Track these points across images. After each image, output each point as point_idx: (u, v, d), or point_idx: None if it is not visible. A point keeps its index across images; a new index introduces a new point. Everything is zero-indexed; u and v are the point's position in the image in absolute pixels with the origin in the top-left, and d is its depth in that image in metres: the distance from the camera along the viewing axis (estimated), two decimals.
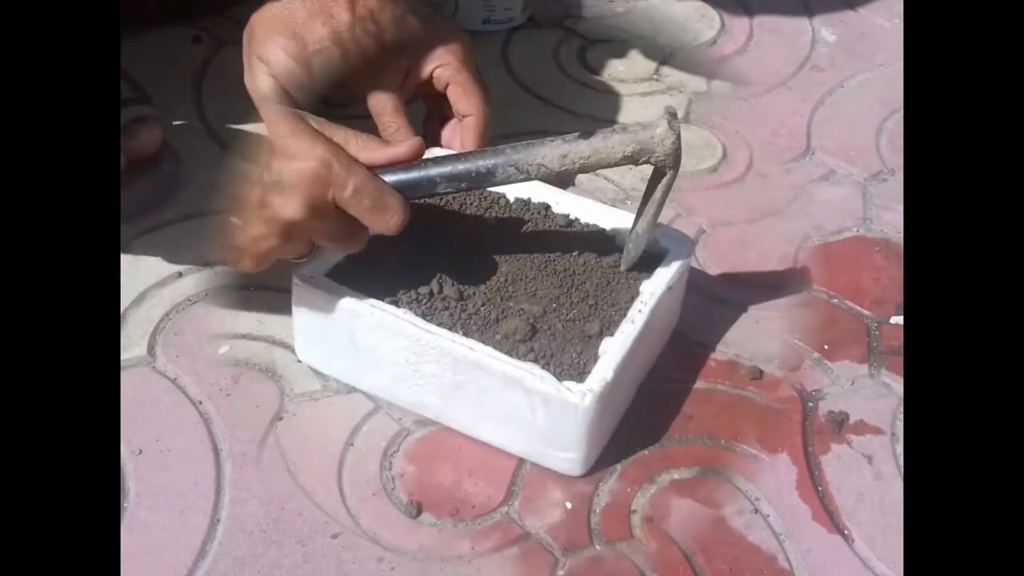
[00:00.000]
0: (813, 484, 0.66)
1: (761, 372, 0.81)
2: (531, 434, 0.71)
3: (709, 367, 0.82)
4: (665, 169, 0.71)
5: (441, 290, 0.74)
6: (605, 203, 0.84)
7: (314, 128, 0.67)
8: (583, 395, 0.68)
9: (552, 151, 0.69)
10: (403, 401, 0.75)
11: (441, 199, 0.81)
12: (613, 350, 0.71)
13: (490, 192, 0.83)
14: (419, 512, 0.70)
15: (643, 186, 0.97)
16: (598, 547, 0.69)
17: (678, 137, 0.70)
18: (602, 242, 0.80)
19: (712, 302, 0.87)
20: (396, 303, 0.72)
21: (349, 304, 0.72)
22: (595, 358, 0.71)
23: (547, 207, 0.82)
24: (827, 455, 0.68)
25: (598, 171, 0.98)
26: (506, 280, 0.76)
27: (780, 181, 0.84)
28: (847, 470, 0.67)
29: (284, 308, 0.79)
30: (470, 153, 0.70)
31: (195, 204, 0.75)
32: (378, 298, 0.72)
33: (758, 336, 0.84)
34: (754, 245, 0.93)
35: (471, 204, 0.82)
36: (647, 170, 0.99)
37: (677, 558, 0.63)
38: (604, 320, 0.74)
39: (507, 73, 1.11)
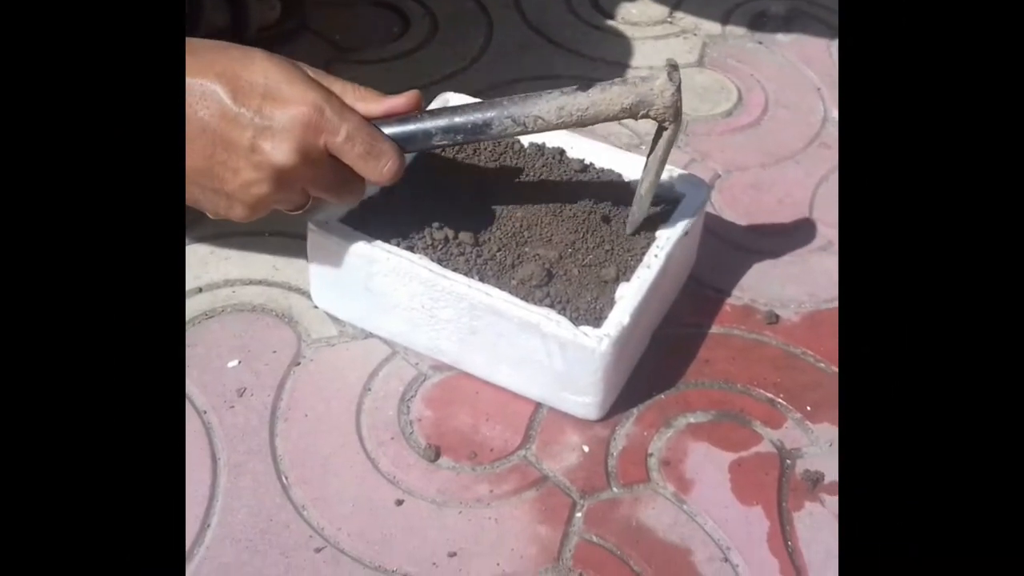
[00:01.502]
0: (784, 539, 0.68)
1: (777, 317, 0.81)
2: (548, 379, 0.71)
3: (725, 312, 0.82)
4: (665, 123, 0.69)
5: (457, 236, 0.74)
6: (620, 148, 0.84)
7: (310, 76, 0.66)
8: (600, 340, 0.68)
9: (549, 104, 0.68)
10: (420, 346, 0.75)
11: (455, 146, 0.81)
12: (629, 295, 0.71)
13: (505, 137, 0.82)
14: (437, 456, 0.70)
15: None
16: (615, 490, 0.70)
17: (678, 89, 0.68)
18: (617, 187, 0.80)
19: (728, 247, 0.87)
20: (412, 249, 0.72)
21: (365, 250, 0.72)
22: (611, 303, 0.71)
23: (562, 152, 0.82)
24: (799, 512, 0.69)
25: (624, 124, 0.98)
26: (521, 225, 0.76)
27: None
28: (817, 528, 0.68)
29: (300, 254, 0.79)
30: (467, 105, 0.70)
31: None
32: (394, 244, 0.72)
33: (774, 281, 0.84)
34: (769, 190, 0.93)
35: (486, 150, 0.81)
36: None
37: None
38: (620, 265, 0.74)
39: (520, 16, 1.10)
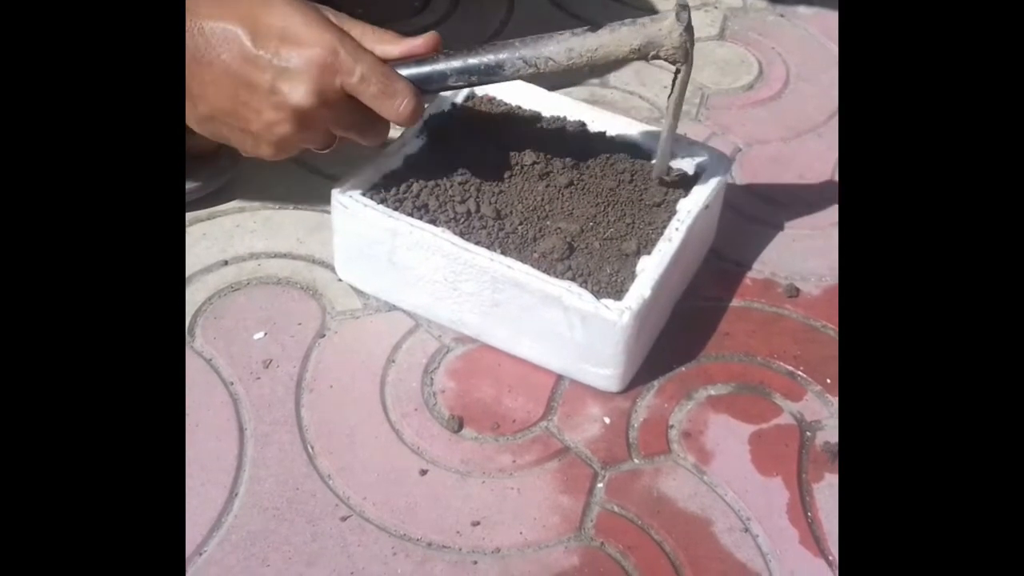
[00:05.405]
0: (803, 509, 0.68)
1: (798, 290, 0.81)
2: (569, 351, 0.72)
3: (745, 285, 0.82)
4: (676, 64, 0.71)
5: (479, 209, 0.74)
6: (640, 121, 0.84)
7: (328, 19, 0.68)
8: (621, 312, 0.69)
9: (560, 45, 0.70)
10: (443, 319, 0.76)
11: (477, 120, 0.81)
12: (650, 268, 0.71)
13: (526, 110, 0.82)
14: (460, 427, 0.71)
15: None
16: (636, 461, 0.70)
17: (687, 29, 0.69)
18: (638, 160, 0.80)
19: (748, 221, 0.87)
20: (435, 222, 0.73)
21: (388, 223, 0.73)
22: (632, 276, 0.71)
23: (583, 125, 0.82)
24: (819, 483, 0.70)
25: (644, 98, 0.98)
26: (543, 199, 0.76)
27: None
28: (837, 499, 0.69)
29: (324, 227, 0.80)
30: (481, 47, 0.71)
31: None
32: (417, 217, 0.73)
33: (794, 254, 0.85)
34: (789, 163, 0.93)
35: (507, 122, 0.82)
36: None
37: (664, 565, 0.64)
38: (641, 238, 0.74)
39: None
